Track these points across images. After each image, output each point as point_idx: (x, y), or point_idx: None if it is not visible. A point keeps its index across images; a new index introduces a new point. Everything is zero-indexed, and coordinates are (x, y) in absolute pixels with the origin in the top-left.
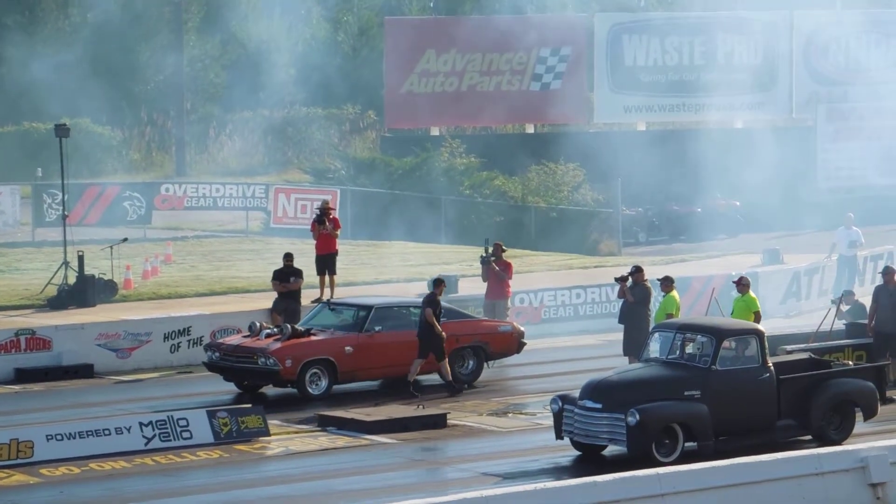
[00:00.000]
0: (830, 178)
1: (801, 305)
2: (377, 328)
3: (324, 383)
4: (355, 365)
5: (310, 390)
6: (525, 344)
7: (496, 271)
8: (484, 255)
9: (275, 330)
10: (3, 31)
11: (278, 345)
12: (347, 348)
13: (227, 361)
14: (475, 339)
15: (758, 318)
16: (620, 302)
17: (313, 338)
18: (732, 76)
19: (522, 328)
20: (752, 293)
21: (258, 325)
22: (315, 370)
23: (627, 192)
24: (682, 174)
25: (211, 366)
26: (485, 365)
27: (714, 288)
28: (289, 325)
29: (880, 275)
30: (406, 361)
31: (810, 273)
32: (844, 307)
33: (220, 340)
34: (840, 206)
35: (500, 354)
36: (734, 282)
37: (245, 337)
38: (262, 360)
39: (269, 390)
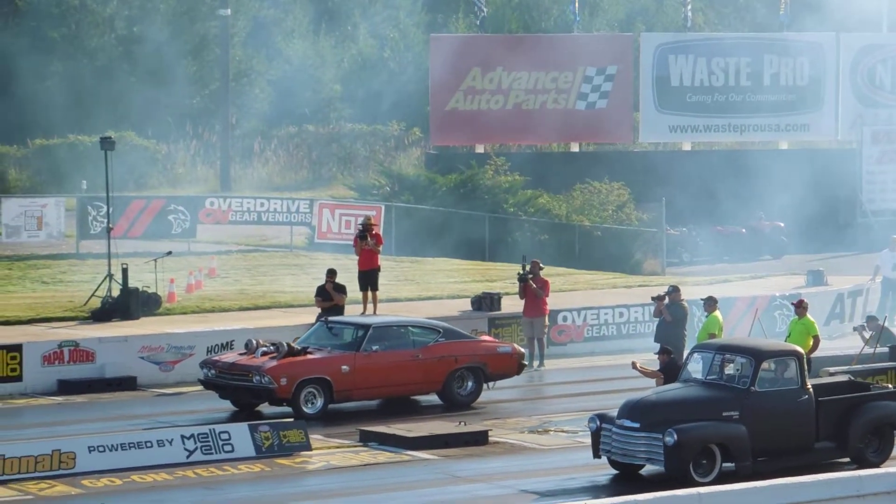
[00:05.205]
0: (875, 200)
1: (844, 327)
2: (374, 348)
3: (319, 402)
4: (351, 384)
5: (305, 409)
6: (525, 365)
7: (533, 289)
8: (521, 272)
9: (271, 348)
10: (50, 44)
11: (273, 363)
12: (344, 367)
13: (223, 379)
14: (473, 360)
15: (816, 342)
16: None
17: (309, 356)
18: (778, 97)
19: (523, 349)
20: (810, 316)
21: (254, 342)
22: (310, 389)
23: (672, 211)
24: (726, 195)
25: (206, 383)
26: (484, 386)
27: (757, 309)
28: (285, 343)
29: None
30: (403, 381)
31: (854, 295)
32: (867, 334)
33: (216, 358)
34: (885, 229)
35: (499, 376)
36: (793, 304)
37: (241, 354)
38: (257, 378)
39: (265, 408)
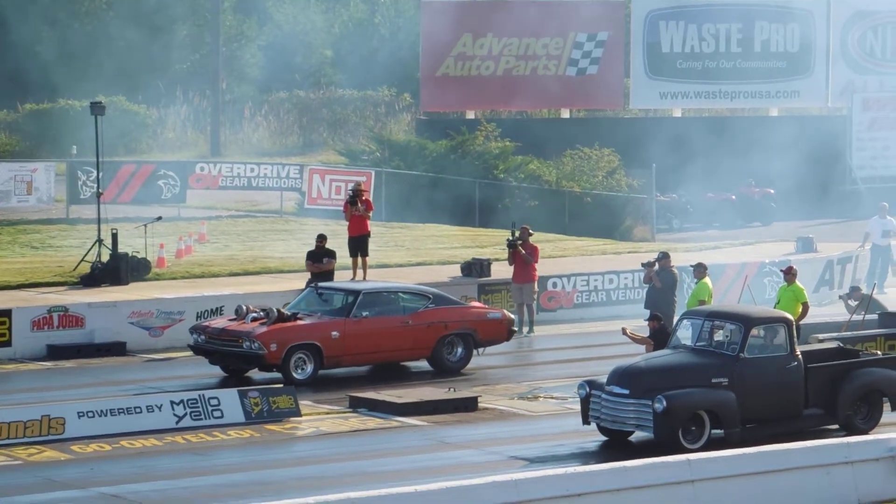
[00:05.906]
0: (865, 167)
1: (833, 294)
2: (365, 314)
3: (309, 368)
4: (342, 350)
5: (295, 375)
6: (515, 331)
7: (522, 255)
8: (511, 238)
9: (261, 313)
10: (38, 8)
11: (264, 329)
12: (334, 333)
13: (212, 345)
14: (463, 326)
15: (805, 309)
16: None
17: (299, 322)
18: (769, 64)
19: (513, 315)
20: (799, 283)
21: (244, 308)
22: (300, 355)
23: (662, 178)
24: (716, 161)
25: (196, 349)
26: (474, 352)
27: (747, 275)
28: (275, 309)
29: None
30: (393, 348)
31: (843, 262)
32: (853, 303)
33: (206, 323)
34: (874, 196)
35: (488, 342)
36: (782, 270)
37: (231, 320)
38: (247, 343)
39: (255, 374)
